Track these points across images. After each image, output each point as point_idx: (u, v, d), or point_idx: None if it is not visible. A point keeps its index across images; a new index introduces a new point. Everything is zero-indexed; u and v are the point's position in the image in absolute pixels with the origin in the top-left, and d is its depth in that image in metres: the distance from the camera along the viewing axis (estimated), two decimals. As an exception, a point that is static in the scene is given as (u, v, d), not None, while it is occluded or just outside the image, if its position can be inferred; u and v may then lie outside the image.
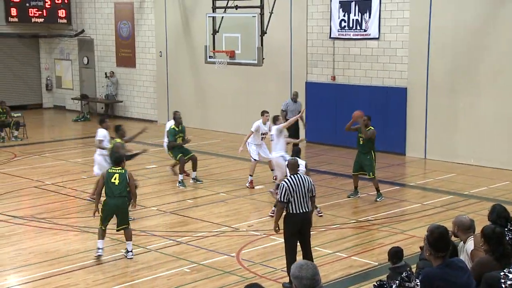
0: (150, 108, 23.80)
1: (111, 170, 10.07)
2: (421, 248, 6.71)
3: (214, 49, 16.46)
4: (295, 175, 8.68)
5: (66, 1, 25.43)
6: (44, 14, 25.39)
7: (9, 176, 15.32)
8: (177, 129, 14.45)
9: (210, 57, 16.73)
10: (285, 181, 8.60)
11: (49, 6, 25.33)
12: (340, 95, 18.73)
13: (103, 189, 9.97)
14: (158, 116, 23.51)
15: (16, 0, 25.02)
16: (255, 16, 15.70)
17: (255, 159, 14.32)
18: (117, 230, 10.04)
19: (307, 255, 8.78)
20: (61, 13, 25.51)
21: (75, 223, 11.81)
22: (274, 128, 13.26)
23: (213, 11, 16.83)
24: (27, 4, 25.14)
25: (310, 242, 8.90)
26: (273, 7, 16.24)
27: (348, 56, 18.54)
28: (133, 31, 23.85)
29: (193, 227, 11.62)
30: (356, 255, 10.09)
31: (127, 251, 10.02)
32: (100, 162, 12.77)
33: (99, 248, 9.92)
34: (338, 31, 18.51)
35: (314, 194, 8.79)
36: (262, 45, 15.77)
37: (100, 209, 10.00)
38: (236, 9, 16.42)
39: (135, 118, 24.07)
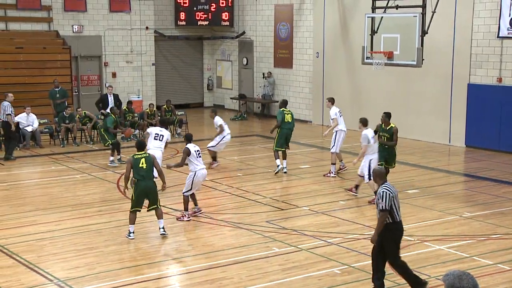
0: (305, 108, 23.98)
1: (136, 156, 10.86)
2: None
3: (372, 49, 16.22)
4: (388, 183, 8.41)
5: (230, 4, 26.35)
6: (209, 17, 26.50)
7: (171, 171, 16.11)
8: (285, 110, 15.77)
9: (367, 58, 16.50)
10: (386, 188, 8.28)
11: (214, 10, 26.40)
12: (506, 98, 17.68)
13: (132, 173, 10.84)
14: (312, 116, 23.63)
15: (185, 5, 26.36)
16: (416, 16, 15.26)
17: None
18: (148, 210, 10.98)
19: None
20: (225, 16, 26.48)
21: (230, 219, 12.15)
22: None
23: (373, 11, 16.58)
24: (195, 8, 26.39)
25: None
26: (436, 6, 15.66)
27: (517, 56, 17.46)
28: (291, 32, 24.17)
29: (344, 228, 11.52)
30: (520, 269, 9.47)
31: (160, 228, 10.97)
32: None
33: (130, 232, 10.85)
34: (508, 29, 17.45)
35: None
36: (422, 45, 15.28)
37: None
38: (397, 8, 16.05)
39: (291, 118, 24.33)
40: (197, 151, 11.99)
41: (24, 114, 18.94)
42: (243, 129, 23.09)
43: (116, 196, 13.88)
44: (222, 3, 26.38)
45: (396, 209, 8.32)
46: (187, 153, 11.87)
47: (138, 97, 25.17)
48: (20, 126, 18.94)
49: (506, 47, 17.64)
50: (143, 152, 11.03)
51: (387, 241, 8.35)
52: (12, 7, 23.38)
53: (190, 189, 11.98)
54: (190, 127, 21.72)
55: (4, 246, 10.58)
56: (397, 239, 8.42)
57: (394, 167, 13.71)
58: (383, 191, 8.25)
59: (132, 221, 10.92)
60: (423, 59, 15.42)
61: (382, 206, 8.21)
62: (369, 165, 12.85)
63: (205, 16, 26.49)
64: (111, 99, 19.47)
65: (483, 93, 18.21)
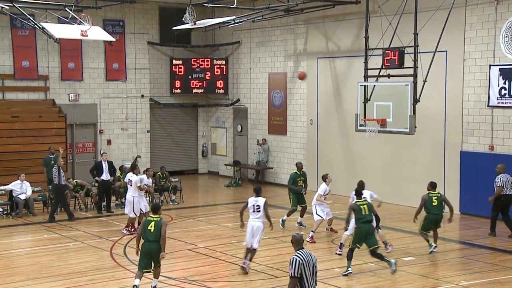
0: (300, 175, 24.02)
1: (149, 218, 11.44)
2: None
3: (365, 117, 16.44)
4: (303, 250, 8.24)
5: (224, 73, 26.79)
6: (204, 85, 26.89)
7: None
8: (298, 173, 17.28)
9: (361, 125, 16.72)
10: (297, 255, 8.14)
11: (208, 78, 26.80)
12: (499, 165, 17.78)
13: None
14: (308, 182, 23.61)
15: (180, 73, 26.79)
16: (408, 85, 15.55)
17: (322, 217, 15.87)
18: (152, 269, 11.37)
19: None
20: (219, 83, 26.86)
21: (224, 286, 12.00)
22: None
23: (365, 80, 16.90)
24: (190, 77, 26.80)
25: None
26: (427, 76, 15.99)
27: (508, 125, 17.67)
28: (285, 99, 24.50)
29: (340, 297, 11.35)
30: None
31: (152, 286, 11.45)
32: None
33: (135, 285, 11.24)
34: (497, 99, 17.76)
35: (317, 271, 8.28)
36: (414, 113, 15.51)
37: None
38: (389, 77, 16.37)
39: (284, 184, 24.31)
40: (256, 205, 12.97)
41: (17, 182, 18.90)
42: (238, 195, 23.05)
43: (109, 264, 13.72)
44: (217, 71, 26.82)
45: (307, 278, 8.08)
46: (244, 205, 13.19)
47: (133, 164, 25.19)
48: (14, 194, 18.88)
49: (497, 116, 17.89)
50: (156, 216, 11.42)
51: None
52: (10, 77, 23.69)
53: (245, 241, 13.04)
54: (185, 193, 21.69)
55: (-6, 317, 10.38)
56: None
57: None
58: (293, 258, 8.12)
59: (137, 276, 11.37)
60: (415, 127, 15.62)
61: (291, 273, 8.06)
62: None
63: (200, 84, 26.87)
64: (105, 166, 19.52)
65: (476, 160, 18.34)
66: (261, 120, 25.62)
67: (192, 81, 26.81)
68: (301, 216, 17.06)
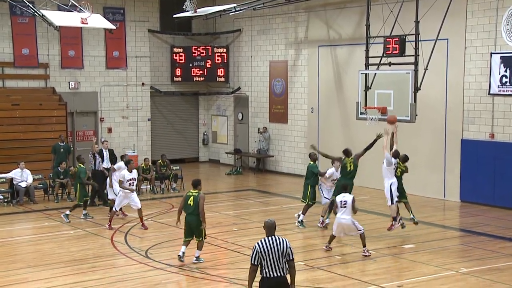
0: (300, 163, 24.03)
1: (189, 193, 12.45)
2: None
3: (366, 105, 16.42)
4: (270, 237, 8.19)
5: (225, 61, 26.74)
6: (205, 73, 26.85)
7: (166, 226, 16.05)
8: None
9: (361, 113, 16.70)
10: (258, 243, 8.12)
11: (209, 66, 26.76)
12: (500, 154, 17.80)
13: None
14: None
15: (181, 61, 26.74)
16: (409, 73, 15.53)
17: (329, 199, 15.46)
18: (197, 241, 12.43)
19: None
20: (220, 72, 26.83)
21: (225, 274, 12.04)
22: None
23: (366, 68, 16.86)
24: (190, 65, 26.75)
25: None
26: (428, 64, 15.96)
27: (509, 113, 17.65)
28: (286, 88, 24.47)
29: (340, 284, 11.39)
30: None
31: (195, 257, 12.53)
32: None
33: (180, 253, 12.50)
34: (498, 87, 17.73)
35: (291, 258, 8.10)
36: (415, 101, 15.50)
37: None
38: (390, 65, 16.34)
39: (285, 172, 24.41)
40: (343, 201, 13.09)
41: (18, 170, 18.92)
42: (239, 183, 23.08)
43: (110, 251, 13.76)
44: (218, 59, 26.76)
45: (268, 265, 8.03)
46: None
47: (133, 152, 25.22)
48: (14, 182, 18.90)
49: (497, 103, 17.87)
50: (195, 191, 12.39)
51: None
52: (10, 64, 23.65)
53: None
54: (186, 182, 21.69)
55: (-5, 304, 10.43)
56: None
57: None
58: (255, 245, 8.11)
59: (184, 244, 12.56)
60: (416, 115, 15.60)
61: (251, 260, 8.10)
62: (390, 189, 14.41)
63: (201, 72, 26.84)
64: (106, 154, 19.52)
65: (477, 148, 18.34)
66: (262, 108, 25.60)
67: (192, 69, 26.77)
68: (303, 213, 15.96)
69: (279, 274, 8.06)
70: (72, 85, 24.66)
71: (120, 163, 17.10)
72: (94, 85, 25.17)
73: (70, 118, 24.42)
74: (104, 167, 19.13)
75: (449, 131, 19.07)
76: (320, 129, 23.19)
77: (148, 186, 20.99)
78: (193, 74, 26.81)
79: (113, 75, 25.51)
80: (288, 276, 8.14)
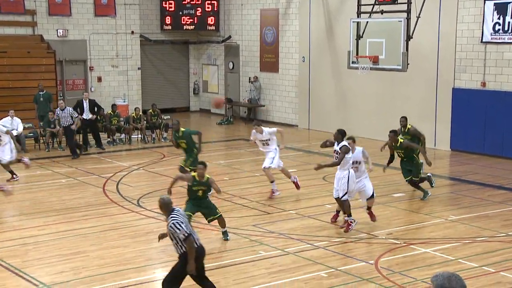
0: (291, 112, 24.03)
1: (195, 186, 10.91)
2: None
3: (357, 54, 16.31)
4: (175, 211, 7.93)
5: (215, 9, 26.36)
6: (195, 22, 26.49)
7: (158, 176, 16.10)
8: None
9: (353, 62, 16.60)
10: (174, 218, 7.80)
11: (199, 14, 26.39)
12: (491, 102, 17.83)
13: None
14: (298, 120, 23.67)
15: (170, 9, 26.34)
16: (401, 21, 15.37)
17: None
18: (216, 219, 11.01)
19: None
20: (210, 20, 26.48)
21: (216, 222, 12.10)
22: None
23: (358, 16, 16.68)
24: (180, 13, 26.37)
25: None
26: (420, 12, 15.79)
27: (501, 61, 17.60)
28: (277, 36, 24.22)
29: (331, 232, 11.54)
30: (505, 271, 9.52)
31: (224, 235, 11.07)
32: None
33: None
34: (491, 34, 17.61)
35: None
36: (407, 50, 15.39)
37: None
38: (382, 14, 16.16)
39: (276, 122, 24.37)
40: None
41: (8, 118, 18.77)
42: (230, 133, 23.09)
43: (102, 200, 13.81)
44: (208, 7, 26.38)
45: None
46: (347, 151, 11.09)
47: (124, 102, 25.08)
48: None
49: (490, 52, 17.79)
50: (204, 177, 10.94)
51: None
52: (-4, 11, 23.22)
53: (347, 192, 11.28)
54: (176, 131, 21.64)
55: (-12, 251, 10.50)
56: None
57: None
58: (174, 222, 7.76)
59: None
60: (408, 64, 15.52)
61: (184, 233, 7.73)
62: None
63: (191, 20, 26.47)
64: (86, 105, 19.45)
65: (468, 97, 18.35)
66: (253, 58, 25.39)
67: (182, 17, 26.39)
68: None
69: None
70: (60, 32, 24.28)
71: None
72: (83, 33, 24.80)
73: (59, 66, 24.14)
74: (83, 118, 19.05)
75: (441, 80, 19.03)
76: (311, 78, 23.08)
77: (139, 136, 20.95)
78: (183, 22, 26.46)
79: (102, 22, 25.12)
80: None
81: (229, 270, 9.72)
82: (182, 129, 14.09)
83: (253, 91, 25.08)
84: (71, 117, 18.57)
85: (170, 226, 7.80)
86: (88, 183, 15.26)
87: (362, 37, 16.27)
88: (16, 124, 18.88)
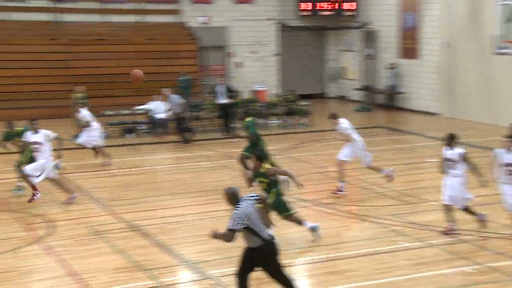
0: (432, 100, 23.24)
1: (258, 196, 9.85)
2: None
3: (505, 39, 15.45)
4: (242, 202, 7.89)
5: (354, -5, 26.05)
6: (333, 7, 26.30)
7: (295, 161, 16.22)
8: None
9: (500, 47, 15.74)
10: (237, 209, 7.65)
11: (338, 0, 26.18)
12: None
13: None
14: (440, 108, 22.85)
15: (308, -5, 26.35)
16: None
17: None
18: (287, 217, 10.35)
19: None
20: (349, 5, 26.17)
21: (356, 211, 12.03)
22: None
23: (506, -1, 15.79)
24: (318, -1, 26.32)
25: None
26: None
27: None
28: (417, 21, 23.49)
29: (477, 225, 11.02)
30: None
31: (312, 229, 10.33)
32: None
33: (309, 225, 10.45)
34: None
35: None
36: None
37: None
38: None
39: (415, 110, 23.73)
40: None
41: (154, 102, 19.65)
42: (368, 120, 22.73)
43: (242, 184, 14.10)
44: (347, -7, 26.10)
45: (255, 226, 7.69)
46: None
47: (263, 87, 25.44)
48: (149, 114, 19.71)
49: None
50: (265, 179, 10.53)
51: None
52: (143, 0, 24.38)
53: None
54: (314, 117, 21.65)
55: (139, 228, 11.10)
56: None
57: None
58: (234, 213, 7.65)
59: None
60: None
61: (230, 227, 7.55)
62: None
63: (329, 6, 26.31)
64: (221, 90, 19.97)
65: None
66: (392, 44, 24.83)
67: (320, 3, 26.27)
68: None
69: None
70: (203, 19, 25.05)
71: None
72: (224, 20, 25.43)
73: (201, 53, 24.93)
74: (220, 102, 19.54)
75: None
76: (453, 64, 22.18)
77: (277, 121, 21.18)
78: (321, 8, 26.34)
79: (242, 9, 25.62)
80: None
81: (368, 259, 9.59)
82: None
83: (391, 77, 24.54)
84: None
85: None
86: (227, 167, 15.66)
87: (510, 20, 15.39)
88: (161, 108, 19.54)
